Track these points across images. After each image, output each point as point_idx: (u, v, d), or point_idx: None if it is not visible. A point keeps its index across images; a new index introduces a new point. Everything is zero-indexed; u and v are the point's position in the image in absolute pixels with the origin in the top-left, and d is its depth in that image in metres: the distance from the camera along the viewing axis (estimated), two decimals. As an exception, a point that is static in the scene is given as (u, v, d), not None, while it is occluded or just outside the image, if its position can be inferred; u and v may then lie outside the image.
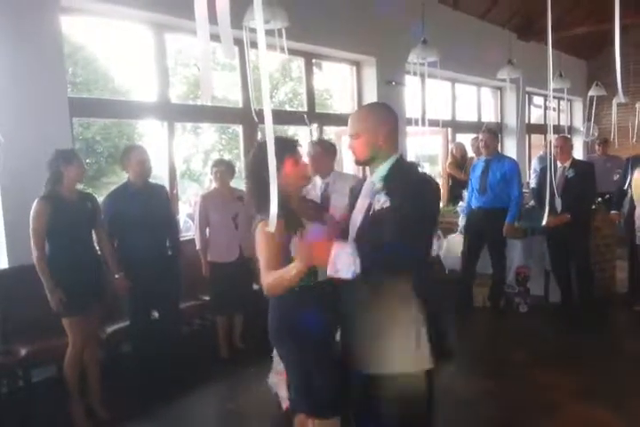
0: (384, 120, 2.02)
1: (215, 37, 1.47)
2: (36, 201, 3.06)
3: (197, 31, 1.34)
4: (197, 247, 4.16)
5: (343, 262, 1.74)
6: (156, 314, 3.86)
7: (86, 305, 3.16)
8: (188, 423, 3.22)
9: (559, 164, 4.83)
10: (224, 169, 4.19)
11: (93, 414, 3.24)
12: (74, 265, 3.10)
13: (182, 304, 4.01)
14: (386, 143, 1.99)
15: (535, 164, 8.40)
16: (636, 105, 8.49)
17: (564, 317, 4.91)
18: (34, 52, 3.67)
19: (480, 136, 5.22)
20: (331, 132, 6.67)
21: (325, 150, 3.63)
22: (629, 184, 5.11)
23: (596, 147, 8.18)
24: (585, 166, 4.93)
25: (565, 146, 4.90)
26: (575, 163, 4.90)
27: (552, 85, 6.41)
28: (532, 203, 5.61)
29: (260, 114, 3.70)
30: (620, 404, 3.20)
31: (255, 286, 4.09)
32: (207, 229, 4.18)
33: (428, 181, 2.02)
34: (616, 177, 6.48)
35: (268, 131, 1.59)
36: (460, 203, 5.70)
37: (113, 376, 3.48)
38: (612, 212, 5.44)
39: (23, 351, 3.23)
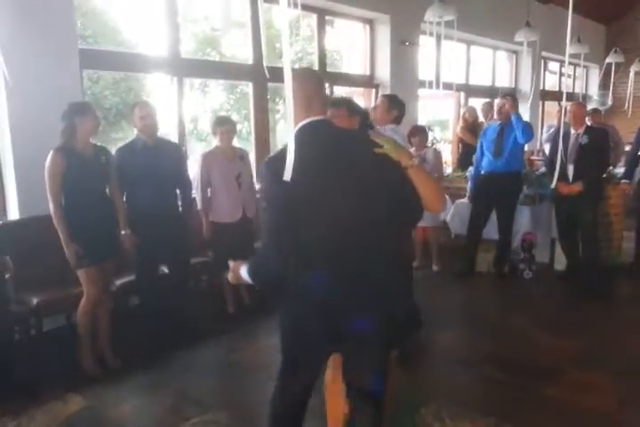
0: (293, 86, 1.80)
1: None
2: (50, 153, 3.06)
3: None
4: (198, 207, 4.10)
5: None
6: (165, 269, 3.91)
7: (102, 257, 3.21)
8: (193, 373, 3.31)
9: (572, 130, 4.76)
10: (231, 128, 4.14)
11: (103, 362, 3.34)
12: (89, 217, 3.14)
13: (191, 261, 4.04)
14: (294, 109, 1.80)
15: (544, 131, 8.28)
16: (655, 74, 8.31)
17: (568, 284, 4.94)
18: (43, 3, 3.60)
19: (497, 101, 5.11)
20: (341, 93, 6.58)
21: (389, 103, 3.77)
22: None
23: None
24: (599, 133, 4.84)
25: (579, 112, 4.82)
26: (589, 129, 4.82)
27: (569, 50, 6.27)
28: (542, 169, 5.57)
29: (271, 71, 3.66)
30: (620, 370, 3.25)
31: (256, 245, 4.10)
32: (209, 190, 4.12)
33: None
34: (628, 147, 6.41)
35: (287, 86, 1.61)
36: (470, 168, 5.66)
37: (122, 328, 3.56)
38: (623, 181, 5.40)
39: (35, 301, 3.29)
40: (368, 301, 1.86)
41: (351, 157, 1.83)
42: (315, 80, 1.95)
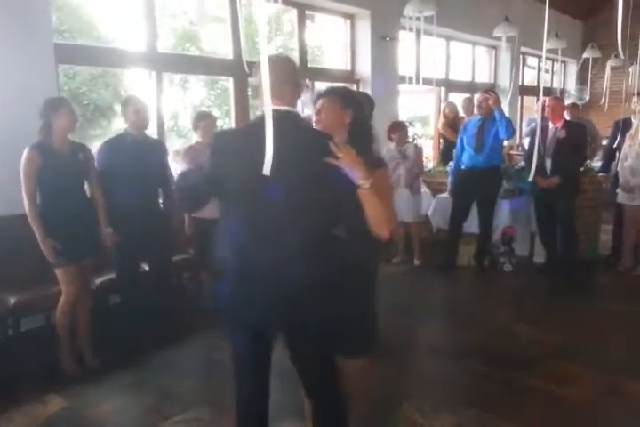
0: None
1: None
2: (26, 149, 3.01)
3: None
4: None
5: None
6: (146, 267, 3.87)
7: (79, 255, 3.16)
8: (174, 372, 3.28)
9: (551, 125, 4.82)
10: (212, 122, 4.12)
11: (82, 362, 3.29)
12: (66, 215, 3.09)
13: (173, 258, 4.00)
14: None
15: (524, 126, 8.38)
16: (630, 69, 8.41)
17: (548, 277, 5.01)
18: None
19: (478, 96, 5.14)
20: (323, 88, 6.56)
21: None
22: (618, 147, 5.13)
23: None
24: (577, 127, 4.91)
25: (557, 107, 4.88)
26: (567, 124, 4.88)
27: (547, 45, 6.33)
28: (521, 164, 5.62)
29: (251, 66, 3.64)
30: (601, 360, 3.30)
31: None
32: None
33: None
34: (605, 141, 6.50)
35: (265, 80, 1.59)
36: (450, 163, 5.69)
37: (102, 326, 3.51)
38: (600, 175, 5.48)
39: (12, 300, 3.23)
40: (295, 303, 1.86)
41: (300, 160, 1.79)
42: (286, 67, 1.89)
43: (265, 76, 1.60)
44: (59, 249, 3.05)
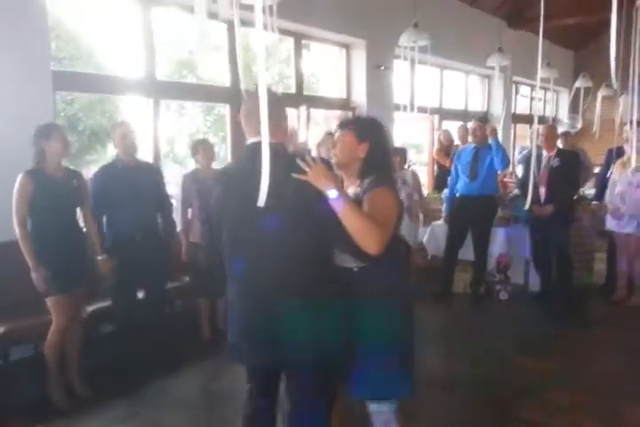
0: (246, 106, 2.03)
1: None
2: (20, 175, 3.00)
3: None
4: (179, 229, 4.07)
5: None
6: (141, 294, 3.82)
7: (71, 284, 3.11)
8: (169, 403, 3.21)
9: (544, 153, 4.85)
10: (209, 148, 4.16)
11: (73, 392, 3.22)
12: (57, 243, 3.06)
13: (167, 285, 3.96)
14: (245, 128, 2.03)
15: (517, 153, 8.45)
16: (620, 99, 8.53)
17: (543, 305, 4.98)
18: (18, 24, 3.56)
19: (471, 125, 5.20)
20: (319, 115, 6.63)
21: None
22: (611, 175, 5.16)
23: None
24: (570, 156, 4.95)
25: (551, 135, 4.93)
26: (560, 152, 4.92)
27: (540, 75, 6.41)
28: (515, 191, 5.65)
29: (248, 94, 3.66)
30: (597, 388, 3.27)
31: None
32: (189, 210, 4.12)
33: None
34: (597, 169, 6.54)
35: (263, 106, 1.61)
36: (445, 190, 5.72)
37: (93, 356, 3.44)
38: (594, 203, 5.50)
39: (1, 329, 3.18)
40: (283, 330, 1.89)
41: (286, 188, 1.80)
42: (269, 101, 1.83)
43: (263, 109, 1.62)
44: (49, 279, 3.00)
